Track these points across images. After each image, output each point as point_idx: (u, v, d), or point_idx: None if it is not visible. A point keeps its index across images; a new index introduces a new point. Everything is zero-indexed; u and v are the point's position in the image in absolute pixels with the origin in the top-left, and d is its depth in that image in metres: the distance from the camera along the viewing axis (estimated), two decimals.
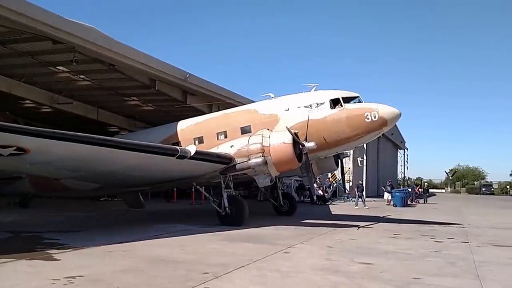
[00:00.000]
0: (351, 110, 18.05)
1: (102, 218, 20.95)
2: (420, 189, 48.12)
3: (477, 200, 57.76)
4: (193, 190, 30.59)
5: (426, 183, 70.13)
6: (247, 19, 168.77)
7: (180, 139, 20.15)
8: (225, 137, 19.27)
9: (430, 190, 63.57)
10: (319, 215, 23.39)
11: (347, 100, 18.40)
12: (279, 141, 16.74)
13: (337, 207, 31.44)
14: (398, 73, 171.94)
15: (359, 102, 18.45)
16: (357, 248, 12.45)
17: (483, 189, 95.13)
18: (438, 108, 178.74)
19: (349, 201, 39.70)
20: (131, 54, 22.19)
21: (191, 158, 15.96)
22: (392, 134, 57.56)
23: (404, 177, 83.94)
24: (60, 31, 18.47)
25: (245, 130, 18.94)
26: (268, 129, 17.96)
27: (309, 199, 35.65)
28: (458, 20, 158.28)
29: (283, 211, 23.02)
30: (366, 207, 31.35)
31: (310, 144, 17.06)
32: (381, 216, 24.19)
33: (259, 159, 16.60)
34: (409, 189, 43.20)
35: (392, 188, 38.91)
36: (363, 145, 34.41)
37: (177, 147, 16.35)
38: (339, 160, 22.19)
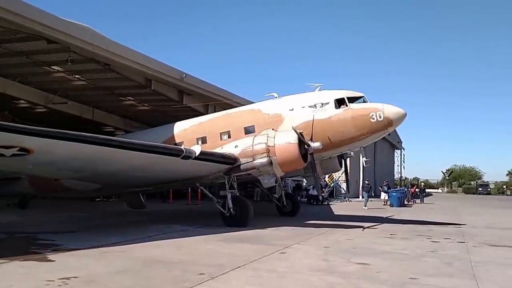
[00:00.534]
0: (356, 110, 17.87)
1: (97, 218, 20.83)
2: (416, 189, 48.16)
3: (474, 200, 57.91)
4: (189, 190, 30.60)
5: (422, 183, 70.20)
6: (246, 19, 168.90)
7: (183, 139, 19.88)
8: (229, 137, 19.05)
9: (427, 190, 63.59)
10: (322, 216, 23.17)
11: (352, 100, 18.21)
12: (284, 141, 16.52)
13: (339, 208, 31.23)
14: (394, 73, 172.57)
15: (364, 102, 18.28)
16: (353, 249, 12.42)
17: (480, 189, 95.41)
18: (435, 108, 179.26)
19: (346, 201, 39.80)
20: (126, 53, 22.09)
21: (196, 158, 15.79)
22: (389, 134, 57.42)
23: (401, 177, 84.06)
24: (55, 30, 18.35)
25: (248, 130, 18.72)
26: (273, 129, 17.77)
27: (306, 199, 35.64)
28: (456, 19, 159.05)
29: (286, 211, 22.78)
30: (366, 207, 31.10)
31: (315, 144, 16.90)
32: (384, 216, 24.12)
33: (264, 159, 16.40)
34: (406, 189, 43.27)
35: (389, 188, 38.95)
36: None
37: (182, 147, 16.16)
38: (343, 160, 22.05)
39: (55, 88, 27.76)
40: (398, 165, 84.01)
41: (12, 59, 22.61)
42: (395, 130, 22.59)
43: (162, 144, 17.28)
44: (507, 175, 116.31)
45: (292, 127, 17.03)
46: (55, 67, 23.74)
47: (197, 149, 16.12)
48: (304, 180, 32.42)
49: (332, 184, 41.83)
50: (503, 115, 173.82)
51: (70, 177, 16.52)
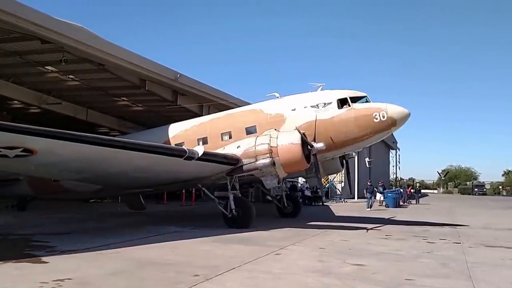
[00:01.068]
0: (359, 110, 17.71)
1: (91, 220, 20.73)
2: (412, 190, 48.18)
3: (470, 200, 57.95)
4: (183, 191, 30.51)
5: (418, 184, 70.36)
6: (245, 18, 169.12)
7: (183, 139, 19.74)
8: (230, 137, 18.91)
9: (423, 191, 63.71)
10: (323, 217, 22.98)
11: (355, 99, 18.04)
12: (287, 142, 16.31)
13: (339, 209, 31.01)
14: (388, 74, 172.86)
15: (367, 101, 18.10)
16: (349, 250, 12.38)
17: (476, 189, 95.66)
18: (430, 109, 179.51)
19: (342, 201, 39.83)
20: (121, 54, 22.00)
21: (199, 159, 15.62)
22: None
23: (396, 177, 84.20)
24: (49, 30, 18.26)
25: (250, 131, 18.58)
26: (275, 129, 17.59)
27: (301, 200, 35.55)
28: (451, 20, 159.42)
29: (287, 212, 22.60)
30: (368, 208, 30.95)
31: (319, 145, 16.77)
32: (386, 217, 24.03)
33: (267, 160, 16.21)
34: (401, 190, 43.28)
35: (384, 188, 38.95)
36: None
37: (185, 148, 16.07)
38: (344, 161, 21.93)
39: (49, 88, 27.62)
40: (393, 166, 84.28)
41: (5, 59, 22.45)
42: None
43: (165, 145, 17.22)
44: (502, 175, 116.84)
45: (296, 127, 16.88)
46: (49, 67, 23.62)
47: (200, 149, 15.93)
48: (299, 180, 32.45)
49: (328, 184, 41.84)
50: (499, 116, 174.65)
51: (72, 178, 16.40)
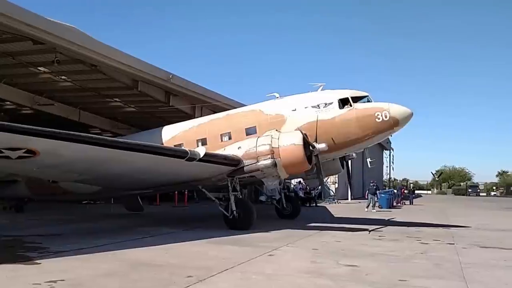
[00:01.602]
0: (361, 110, 17.51)
1: (84, 221, 20.61)
2: (405, 191, 48.26)
3: (464, 201, 58.12)
4: (176, 192, 30.41)
5: (412, 184, 70.53)
6: (245, 17, 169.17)
7: (183, 140, 19.54)
8: (229, 138, 18.69)
9: (416, 192, 63.83)
10: (322, 219, 22.85)
11: (356, 99, 17.83)
12: (289, 143, 16.05)
13: (338, 210, 31.03)
14: (382, 72, 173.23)
15: (368, 101, 17.93)
16: (342, 250, 12.35)
17: (470, 190, 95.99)
18: (424, 108, 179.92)
19: (335, 202, 39.85)
20: (113, 54, 21.90)
21: (200, 160, 15.45)
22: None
23: (390, 178, 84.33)
24: (41, 31, 18.15)
25: (250, 132, 18.37)
26: (276, 130, 17.38)
27: None
28: (445, 18, 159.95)
29: (286, 214, 22.49)
30: (367, 210, 30.82)
31: (321, 146, 16.55)
32: (386, 219, 23.99)
33: (268, 161, 15.97)
34: (395, 191, 43.31)
35: (378, 189, 38.91)
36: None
37: (187, 149, 15.88)
38: (345, 162, 21.80)
39: (41, 89, 27.52)
40: (387, 166, 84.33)
41: None
42: None
43: (167, 146, 17.06)
44: (497, 176, 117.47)
45: (298, 127, 16.78)
46: (41, 68, 23.53)
47: (201, 150, 15.73)
48: (292, 181, 32.35)
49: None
50: (494, 116, 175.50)
51: (73, 179, 16.23)
